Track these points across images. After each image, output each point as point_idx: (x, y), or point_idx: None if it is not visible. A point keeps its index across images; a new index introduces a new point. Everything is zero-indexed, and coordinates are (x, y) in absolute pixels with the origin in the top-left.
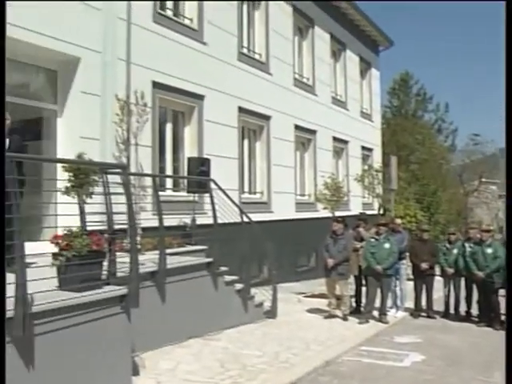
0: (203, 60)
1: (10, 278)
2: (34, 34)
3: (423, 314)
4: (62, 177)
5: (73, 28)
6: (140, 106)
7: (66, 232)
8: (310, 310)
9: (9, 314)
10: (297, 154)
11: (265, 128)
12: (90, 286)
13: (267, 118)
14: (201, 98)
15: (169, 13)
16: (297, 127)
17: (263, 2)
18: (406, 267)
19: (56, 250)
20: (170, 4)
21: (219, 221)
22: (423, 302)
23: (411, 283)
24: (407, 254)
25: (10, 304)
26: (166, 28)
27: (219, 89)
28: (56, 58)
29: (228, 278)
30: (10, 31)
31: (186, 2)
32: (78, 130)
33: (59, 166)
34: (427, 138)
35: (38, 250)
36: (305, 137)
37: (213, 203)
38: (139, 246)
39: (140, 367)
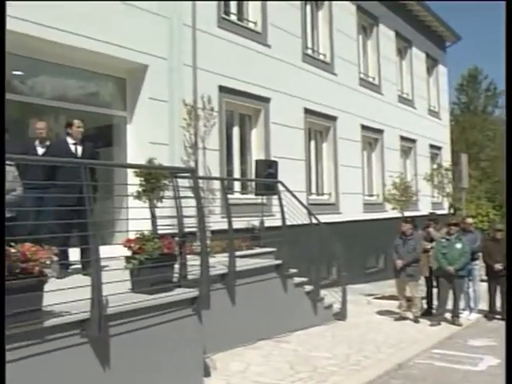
0: (268, 62)
1: (86, 280)
2: (103, 44)
3: (498, 316)
4: (134, 182)
5: (140, 36)
6: (207, 110)
7: (138, 236)
8: (380, 312)
9: (85, 315)
10: (364, 154)
11: (331, 129)
12: (162, 289)
13: (333, 118)
14: (267, 100)
15: (233, 17)
16: (363, 127)
17: (326, 2)
18: (479, 268)
19: (129, 253)
20: (233, 8)
21: (287, 222)
22: (497, 304)
23: (485, 284)
24: (480, 254)
25: (86, 306)
26: (230, 32)
27: (285, 91)
28: (124, 67)
29: (297, 279)
30: (82, 42)
31: (250, 5)
32: (147, 136)
33: (130, 171)
34: (498, 135)
35: (112, 254)
36: (372, 136)
37: (281, 205)
38: (209, 249)
39: (211, 368)
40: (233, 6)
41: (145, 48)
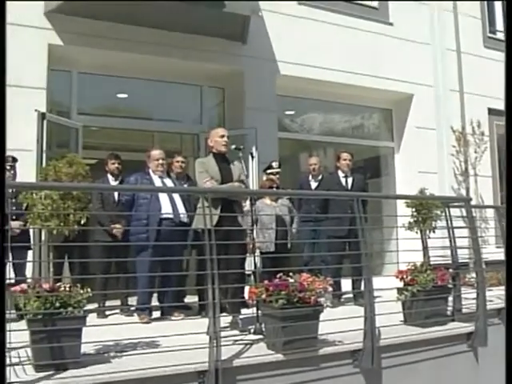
0: None
1: (358, 311)
2: (369, 78)
3: None
4: (404, 212)
5: (404, 66)
6: (477, 135)
7: (410, 267)
8: None
9: (358, 345)
10: None
11: None
12: (435, 322)
13: None
14: None
15: (499, 35)
16: None
17: None
18: None
19: (401, 284)
20: (499, 26)
21: None
22: None
23: None
24: None
25: (358, 336)
26: (497, 51)
27: None
28: (390, 98)
29: None
30: (348, 79)
31: None
32: (415, 165)
33: (400, 201)
34: None
35: (383, 285)
36: None
37: None
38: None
39: None
40: (499, 23)
41: (410, 77)
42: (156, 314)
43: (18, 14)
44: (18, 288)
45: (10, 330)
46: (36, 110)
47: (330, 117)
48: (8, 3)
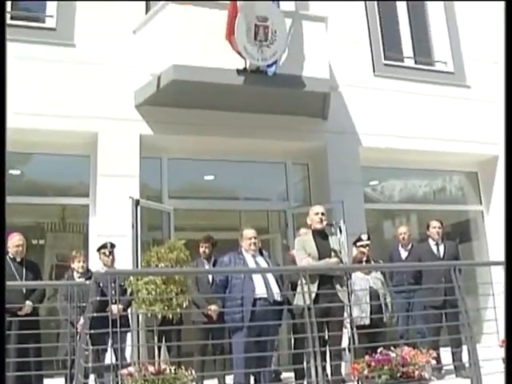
0: None
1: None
2: (452, 143)
3: None
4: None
5: (486, 128)
6: None
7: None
8: None
9: None
10: None
11: None
12: None
13: None
14: None
15: None
16: None
17: None
18: None
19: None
20: None
21: None
22: None
23: None
24: None
25: None
26: None
27: None
28: (475, 160)
29: None
30: (426, 145)
31: None
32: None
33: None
34: None
35: (483, 355)
36: None
37: None
38: None
39: None
40: None
41: (493, 138)
42: None
43: (112, 109)
44: (125, 371)
45: None
46: (130, 197)
47: (409, 182)
48: (102, 95)
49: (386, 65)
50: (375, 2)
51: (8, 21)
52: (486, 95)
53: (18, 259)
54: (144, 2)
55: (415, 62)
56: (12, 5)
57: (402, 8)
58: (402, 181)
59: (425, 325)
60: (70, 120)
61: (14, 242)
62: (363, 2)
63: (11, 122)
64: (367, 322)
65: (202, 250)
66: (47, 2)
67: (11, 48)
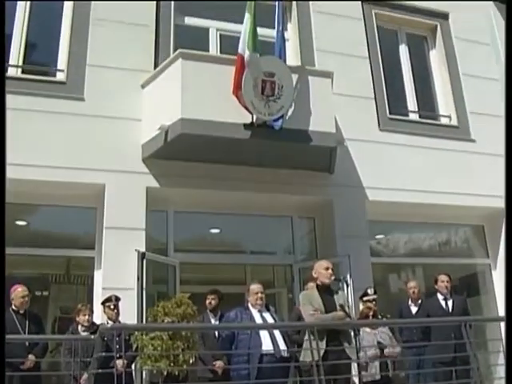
0: None
1: None
2: (460, 197)
3: None
4: None
5: (492, 181)
6: None
7: None
8: None
9: None
10: None
11: None
12: None
13: None
14: None
15: None
16: None
17: None
18: None
19: None
20: None
21: None
22: None
23: None
24: None
25: None
26: None
27: None
28: (480, 213)
29: None
30: (431, 199)
31: None
32: None
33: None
34: None
35: None
36: None
37: None
38: None
39: None
40: None
41: (499, 191)
42: None
43: (120, 161)
44: None
45: None
46: (136, 250)
47: (414, 235)
48: (109, 148)
49: (390, 119)
50: (379, 58)
51: (19, 74)
52: (490, 149)
53: (22, 311)
54: (153, 57)
55: (419, 116)
56: (24, 59)
57: (405, 63)
58: (406, 234)
59: (435, 383)
60: (78, 172)
61: (19, 293)
62: (367, 59)
63: (19, 173)
64: (377, 377)
65: (208, 301)
66: (58, 57)
67: (21, 101)
